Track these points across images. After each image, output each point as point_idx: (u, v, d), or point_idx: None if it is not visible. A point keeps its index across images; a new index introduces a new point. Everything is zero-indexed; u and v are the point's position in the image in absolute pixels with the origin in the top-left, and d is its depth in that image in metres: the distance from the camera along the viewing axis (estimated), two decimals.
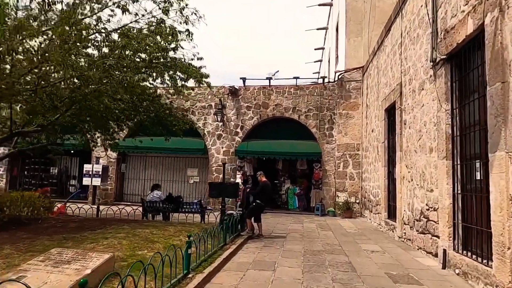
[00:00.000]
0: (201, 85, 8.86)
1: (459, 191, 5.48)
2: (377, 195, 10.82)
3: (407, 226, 7.72)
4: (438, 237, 5.90)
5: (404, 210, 7.96)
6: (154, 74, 7.99)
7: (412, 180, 7.47)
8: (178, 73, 8.64)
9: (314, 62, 30.72)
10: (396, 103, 8.77)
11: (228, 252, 5.92)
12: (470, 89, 5.32)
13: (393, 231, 8.85)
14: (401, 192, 8.23)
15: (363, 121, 13.80)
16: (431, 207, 6.29)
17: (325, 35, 25.40)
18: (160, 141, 15.59)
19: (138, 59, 7.41)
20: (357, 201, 13.73)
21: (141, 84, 8.07)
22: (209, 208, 14.60)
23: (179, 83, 9.66)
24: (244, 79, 15.51)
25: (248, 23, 60.07)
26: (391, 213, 9.52)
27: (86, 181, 15.21)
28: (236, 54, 57.13)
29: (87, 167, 15.27)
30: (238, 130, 15.25)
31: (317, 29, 24.15)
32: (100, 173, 15.20)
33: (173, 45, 7.74)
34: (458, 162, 5.53)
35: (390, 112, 9.87)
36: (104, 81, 7.17)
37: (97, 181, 15.12)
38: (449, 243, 5.48)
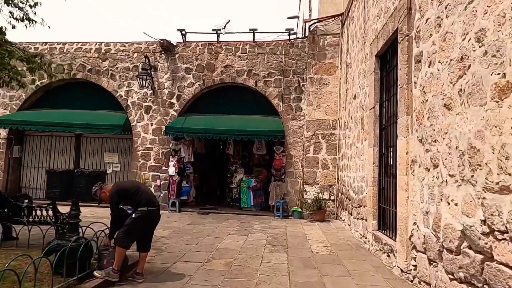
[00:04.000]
0: None
1: None
2: (361, 192, 7.11)
3: (422, 255, 3.99)
4: None
5: (416, 224, 4.22)
6: None
7: (436, 166, 3.72)
8: None
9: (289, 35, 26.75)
10: (399, 32, 4.96)
11: None
12: None
13: (388, 256, 5.14)
14: (409, 189, 4.48)
15: (341, 88, 10.03)
16: (508, 232, 2.53)
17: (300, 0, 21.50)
18: (69, 115, 11.37)
19: None
20: (332, 198, 10.04)
21: None
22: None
23: None
24: (183, 32, 11.39)
25: None
26: (385, 222, 5.81)
27: None
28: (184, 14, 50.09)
29: None
30: (174, 100, 11.18)
31: None
32: None
33: None
34: None
35: (385, 57, 6.10)
36: None
37: None
38: None
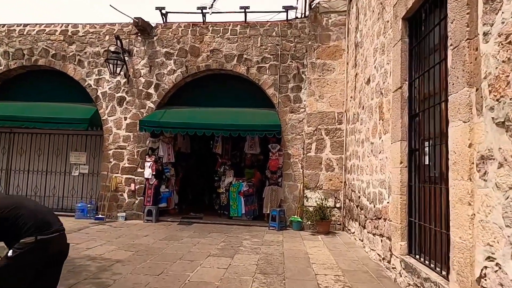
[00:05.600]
0: None
1: None
2: (380, 200, 5.49)
3: None
4: None
5: (494, 261, 2.58)
6: None
7: None
8: None
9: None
10: None
11: None
12: None
13: None
14: (474, 202, 2.85)
15: (348, 74, 8.44)
16: None
17: None
18: (30, 108, 9.68)
19: None
20: (338, 205, 8.43)
21: None
22: (99, 217, 8.93)
23: None
24: (163, 11, 9.75)
25: None
26: (420, 244, 4.18)
27: None
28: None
29: None
30: (151, 90, 9.54)
31: None
32: None
33: None
34: None
35: (416, 18, 4.47)
36: None
37: None
38: None
